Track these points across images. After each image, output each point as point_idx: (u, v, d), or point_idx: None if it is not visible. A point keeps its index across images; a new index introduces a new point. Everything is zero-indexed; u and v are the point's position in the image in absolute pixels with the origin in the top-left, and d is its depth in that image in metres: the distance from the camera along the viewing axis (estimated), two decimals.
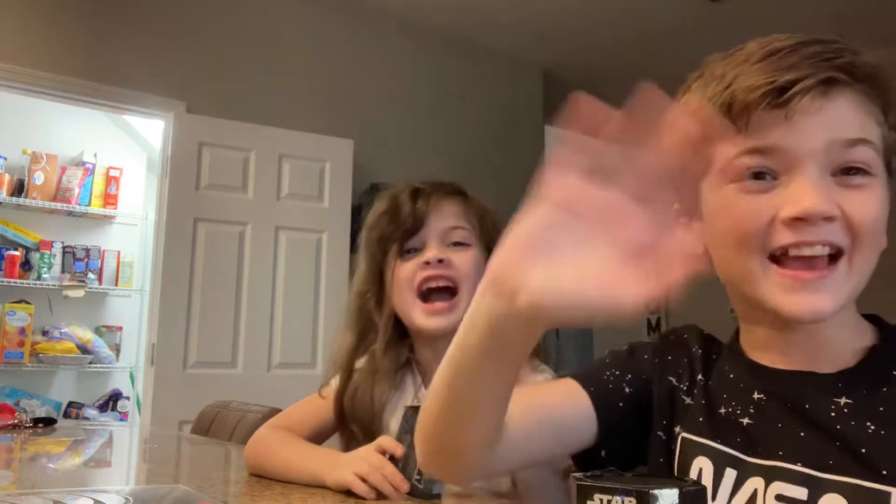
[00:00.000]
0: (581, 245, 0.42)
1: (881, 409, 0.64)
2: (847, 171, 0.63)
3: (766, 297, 0.65)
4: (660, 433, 0.78)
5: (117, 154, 4.17)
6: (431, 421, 0.65)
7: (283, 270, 3.35)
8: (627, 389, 0.79)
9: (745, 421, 0.70)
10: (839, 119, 0.63)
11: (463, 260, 1.10)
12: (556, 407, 0.77)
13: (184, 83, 3.36)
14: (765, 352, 0.72)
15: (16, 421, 1.77)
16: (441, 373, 0.61)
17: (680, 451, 0.75)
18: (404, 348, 1.15)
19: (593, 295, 0.41)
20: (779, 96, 0.62)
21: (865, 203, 0.63)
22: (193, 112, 3.33)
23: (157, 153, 3.51)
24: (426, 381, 1.12)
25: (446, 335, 1.02)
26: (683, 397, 0.78)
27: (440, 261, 1.09)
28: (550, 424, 0.76)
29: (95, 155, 4.09)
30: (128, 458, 1.53)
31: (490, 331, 0.51)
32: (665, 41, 4.07)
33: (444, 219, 1.12)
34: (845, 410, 0.64)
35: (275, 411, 1.73)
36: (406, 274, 1.10)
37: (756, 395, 0.71)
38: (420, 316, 1.09)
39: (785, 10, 3.76)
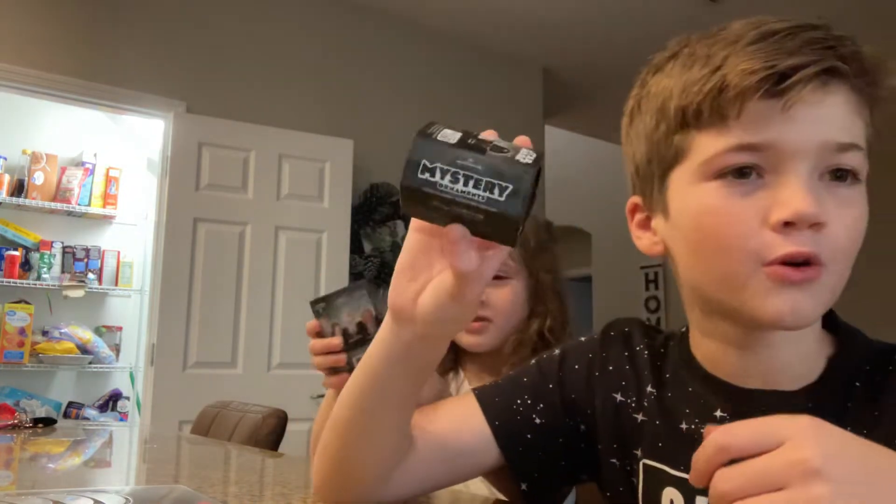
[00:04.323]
0: (436, 263, 0.55)
1: (848, 428, 0.61)
2: (836, 176, 0.57)
3: (745, 302, 0.58)
4: (613, 460, 0.73)
5: (117, 154, 4.17)
6: (336, 439, 0.68)
7: (283, 270, 3.35)
8: (538, 420, 0.74)
9: None
10: (835, 118, 0.57)
11: (499, 296, 1.21)
12: (457, 435, 0.74)
13: (184, 83, 3.36)
14: (719, 366, 0.66)
15: (16, 421, 1.77)
16: (347, 397, 0.65)
17: (644, 480, 0.69)
18: (451, 355, 1.29)
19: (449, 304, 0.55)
20: (777, 84, 0.55)
21: (852, 219, 0.57)
22: (193, 112, 3.33)
23: (157, 153, 3.51)
24: (467, 380, 1.29)
25: (482, 351, 1.21)
26: (633, 414, 0.72)
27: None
28: (451, 454, 0.73)
29: (95, 155, 4.08)
30: (128, 458, 1.53)
31: (405, 352, 0.60)
32: (665, 41, 4.06)
33: None
34: None
35: (275, 411, 1.73)
36: None
37: (718, 414, 0.65)
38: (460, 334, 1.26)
39: (784, 10, 3.75)
